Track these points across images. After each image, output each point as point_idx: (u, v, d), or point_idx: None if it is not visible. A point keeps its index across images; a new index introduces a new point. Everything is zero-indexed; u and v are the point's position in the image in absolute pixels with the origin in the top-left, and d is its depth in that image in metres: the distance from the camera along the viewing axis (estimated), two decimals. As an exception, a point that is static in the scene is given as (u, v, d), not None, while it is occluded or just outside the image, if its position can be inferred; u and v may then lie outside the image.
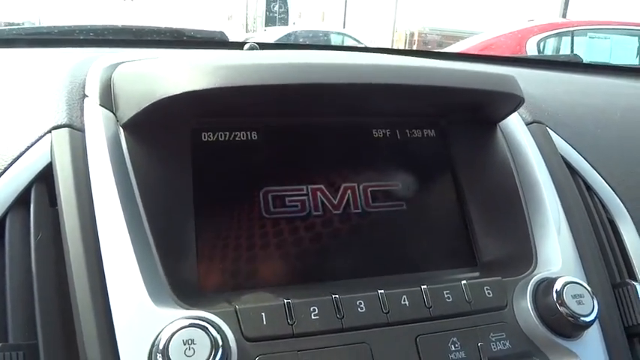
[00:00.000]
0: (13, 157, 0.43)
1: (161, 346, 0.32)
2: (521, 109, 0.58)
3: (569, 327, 0.39)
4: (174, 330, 0.32)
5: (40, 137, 0.44)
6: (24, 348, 0.35)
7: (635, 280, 0.49)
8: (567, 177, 0.54)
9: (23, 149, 0.43)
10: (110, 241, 0.38)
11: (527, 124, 0.57)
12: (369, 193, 0.50)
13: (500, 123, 0.54)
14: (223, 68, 0.40)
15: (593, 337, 0.41)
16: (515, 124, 0.55)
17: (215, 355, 0.32)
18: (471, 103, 0.49)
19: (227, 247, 0.45)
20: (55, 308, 0.37)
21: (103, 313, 0.35)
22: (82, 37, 0.88)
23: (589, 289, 0.40)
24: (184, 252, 0.42)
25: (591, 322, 0.39)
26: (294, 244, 0.47)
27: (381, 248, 0.49)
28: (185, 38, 0.99)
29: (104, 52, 0.54)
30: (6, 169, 0.42)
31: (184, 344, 0.32)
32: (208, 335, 0.32)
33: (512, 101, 0.48)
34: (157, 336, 0.33)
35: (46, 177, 0.42)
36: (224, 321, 0.34)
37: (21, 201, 0.41)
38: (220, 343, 0.32)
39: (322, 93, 0.43)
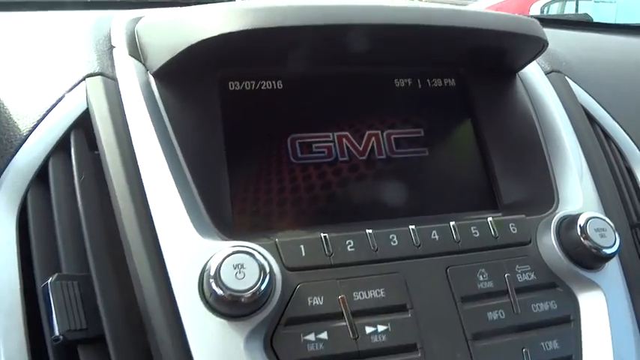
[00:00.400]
0: (51, 104, 0.44)
1: (212, 272, 0.33)
2: (540, 59, 0.58)
3: (591, 259, 0.41)
4: (224, 255, 0.34)
5: (75, 85, 0.45)
6: (78, 278, 0.36)
7: (651, 221, 0.51)
8: (587, 125, 0.55)
9: (60, 96, 0.44)
10: (153, 181, 0.39)
11: (547, 73, 0.58)
12: (392, 140, 0.51)
13: (520, 73, 0.55)
14: (256, 10, 0.41)
15: (613, 270, 0.43)
16: (534, 74, 0.56)
17: (264, 280, 0.33)
18: (493, 47, 0.50)
19: (258, 190, 0.46)
20: (104, 243, 0.38)
21: (153, 246, 0.37)
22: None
23: (611, 223, 0.42)
24: (219, 194, 0.43)
25: (613, 254, 0.41)
26: (323, 188, 0.48)
27: (405, 193, 0.50)
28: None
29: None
30: (44, 115, 0.43)
31: (234, 268, 0.33)
32: (256, 261, 0.34)
33: (535, 45, 0.49)
34: (206, 264, 0.35)
35: (83, 123, 0.43)
36: (267, 251, 0.36)
37: (61, 146, 0.43)
38: (267, 269, 0.34)
39: (350, 33, 0.43)
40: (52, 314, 0.35)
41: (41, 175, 0.42)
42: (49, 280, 0.36)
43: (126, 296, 0.37)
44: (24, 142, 0.42)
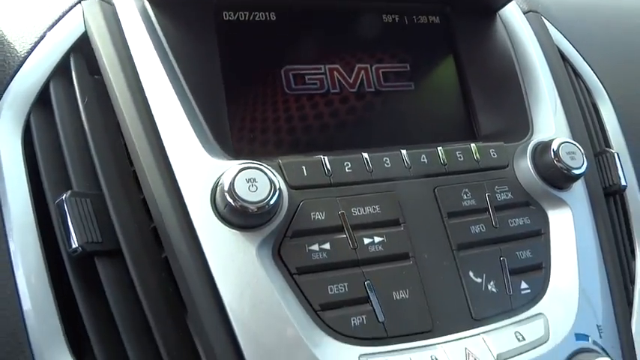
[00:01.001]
0: (47, 27, 0.44)
1: (227, 186, 0.36)
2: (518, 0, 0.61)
3: (562, 179, 0.46)
4: (238, 170, 0.36)
5: (71, 8, 0.45)
6: (90, 196, 0.38)
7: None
8: (560, 62, 0.59)
9: (56, 19, 0.44)
10: (159, 103, 0.41)
11: (524, 12, 0.61)
12: (380, 74, 0.54)
13: (499, 12, 0.58)
14: None
15: (579, 190, 0.48)
16: (513, 13, 0.59)
17: (274, 194, 0.36)
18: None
19: (255, 119, 0.48)
20: (113, 162, 0.40)
21: (164, 165, 0.38)
22: None
23: (580, 147, 0.46)
24: (219, 121, 0.45)
25: (582, 174, 0.46)
26: (315, 118, 0.50)
27: (392, 124, 0.53)
28: None
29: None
30: (41, 38, 0.43)
31: (247, 182, 0.36)
32: (267, 176, 0.36)
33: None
34: (218, 179, 0.37)
35: (81, 48, 0.44)
36: (273, 169, 0.39)
37: (61, 70, 0.43)
38: (277, 185, 0.37)
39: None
40: (68, 228, 0.37)
41: (42, 100, 0.42)
42: (64, 196, 0.37)
43: (137, 214, 0.39)
44: (22, 65, 0.42)
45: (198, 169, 0.38)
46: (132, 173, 0.41)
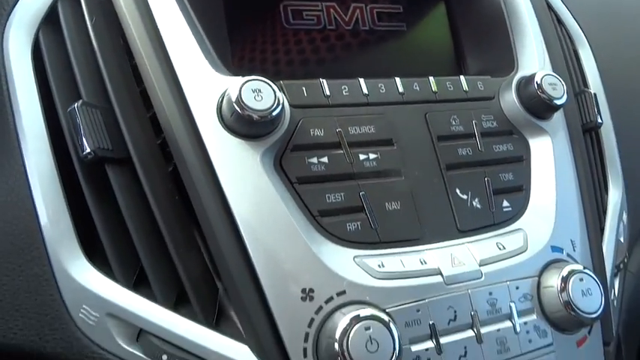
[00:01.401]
0: None
1: (234, 97, 0.38)
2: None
3: (544, 109, 0.49)
4: (245, 80, 0.38)
5: None
6: (100, 108, 0.40)
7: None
8: (545, 10, 0.62)
9: None
10: (167, 23, 0.43)
11: (513, -39, 0.63)
12: (374, 14, 0.56)
13: (489, -41, 0.61)
14: None
15: (559, 121, 0.51)
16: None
17: (278, 105, 0.39)
18: None
19: (254, 50, 0.50)
20: (121, 79, 0.42)
21: (172, 81, 0.40)
22: None
23: (561, 80, 0.50)
24: (221, 48, 0.47)
25: (562, 105, 0.49)
26: (313, 52, 0.53)
27: (385, 61, 0.56)
28: None
29: None
30: None
31: (253, 92, 0.38)
32: (271, 88, 0.39)
33: None
34: (224, 93, 0.40)
35: None
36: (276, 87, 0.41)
37: None
38: (280, 98, 0.39)
39: None
40: (81, 133, 0.39)
41: (51, 20, 0.44)
42: (76, 104, 0.39)
43: (145, 128, 0.42)
44: None
45: (205, 84, 0.41)
46: (139, 92, 0.43)
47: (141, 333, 0.38)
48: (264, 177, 0.39)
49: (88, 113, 0.39)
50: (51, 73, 0.42)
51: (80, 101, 0.40)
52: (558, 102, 0.49)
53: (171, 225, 0.39)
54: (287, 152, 0.42)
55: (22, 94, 0.41)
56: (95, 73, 0.42)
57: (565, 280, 0.43)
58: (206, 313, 0.38)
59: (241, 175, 0.39)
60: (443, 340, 0.39)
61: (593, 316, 0.42)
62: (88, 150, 0.39)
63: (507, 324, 0.42)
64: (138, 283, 0.39)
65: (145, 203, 0.40)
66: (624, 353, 0.53)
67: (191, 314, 0.38)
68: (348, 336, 0.35)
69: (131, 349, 0.38)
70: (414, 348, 0.39)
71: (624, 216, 0.57)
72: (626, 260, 0.54)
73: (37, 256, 0.38)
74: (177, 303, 0.39)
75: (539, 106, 0.49)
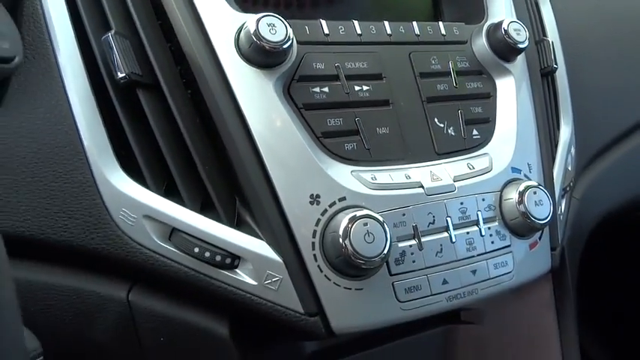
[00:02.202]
0: None
1: (252, 29, 0.44)
2: None
3: (509, 51, 0.57)
4: (261, 16, 0.44)
5: None
6: (129, 38, 0.45)
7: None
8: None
9: None
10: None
11: None
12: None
13: None
14: None
15: (522, 64, 0.59)
16: None
17: (289, 38, 0.45)
18: None
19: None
20: (145, 12, 0.47)
21: (195, 18, 0.46)
22: None
23: (524, 26, 0.57)
24: None
25: (525, 48, 0.57)
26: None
27: (374, 7, 0.62)
28: None
29: None
30: None
31: (268, 26, 0.44)
32: (283, 23, 0.45)
33: None
34: (241, 26, 0.45)
35: None
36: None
37: None
38: (291, 34, 0.45)
39: None
40: (115, 59, 0.44)
41: None
42: (110, 33, 0.44)
43: (168, 58, 0.47)
44: None
45: (224, 19, 0.46)
46: (160, 26, 0.48)
47: (173, 232, 0.44)
48: (277, 101, 0.46)
49: (120, 42, 0.44)
50: (82, 6, 0.46)
51: (113, 30, 0.45)
52: (521, 45, 0.57)
53: (195, 140, 0.46)
54: (294, 82, 0.48)
55: (57, 21, 0.46)
56: (121, 6, 0.47)
57: (522, 194, 0.52)
58: (228, 216, 0.45)
59: (257, 98, 0.46)
60: (423, 239, 0.48)
61: (543, 222, 0.51)
62: (123, 74, 0.44)
63: (474, 228, 0.51)
64: (168, 192, 0.46)
65: (172, 122, 0.46)
66: (568, 263, 0.64)
67: (215, 217, 0.45)
68: (350, 230, 0.43)
69: (166, 245, 0.44)
70: (401, 244, 0.47)
71: (572, 149, 0.66)
72: (572, 184, 0.64)
73: (79, 165, 0.44)
74: (203, 209, 0.46)
75: (505, 49, 0.57)
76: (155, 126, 0.45)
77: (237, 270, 0.44)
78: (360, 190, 0.47)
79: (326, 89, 0.49)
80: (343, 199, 0.46)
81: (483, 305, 0.65)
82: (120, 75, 0.44)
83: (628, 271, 1.43)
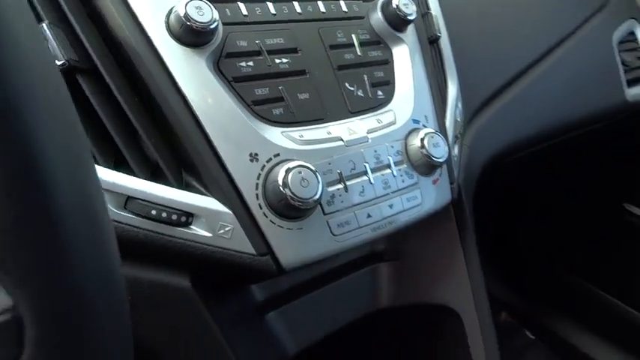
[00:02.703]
0: None
1: (182, 12, 0.49)
2: None
3: (401, 23, 0.67)
4: (187, 0, 0.50)
5: None
6: (61, 27, 0.49)
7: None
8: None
9: None
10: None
11: None
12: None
13: None
14: None
15: (413, 34, 0.70)
16: None
17: (215, 19, 0.51)
18: None
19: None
20: (74, 1, 0.51)
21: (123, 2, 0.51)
22: None
23: (411, 1, 0.68)
24: None
25: (413, 20, 0.67)
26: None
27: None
28: None
29: None
30: None
31: (196, 8, 0.50)
32: (208, 5, 0.51)
33: None
34: (171, 9, 0.51)
35: None
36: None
37: None
38: (216, 15, 0.51)
39: None
40: (52, 48, 0.48)
41: None
42: (44, 24, 0.48)
43: (100, 42, 0.51)
44: None
45: (154, 4, 0.51)
46: (87, 15, 0.52)
47: (128, 200, 0.49)
48: (210, 75, 0.52)
49: (55, 30, 0.48)
50: None
51: (46, 22, 0.48)
52: (410, 17, 0.67)
53: (137, 116, 0.51)
54: (222, 58, 0.54)
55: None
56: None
57: (422, 139, 0.62)
58: (177, 180, 0.51)
59: (192, 73, 0.51)
60: (348, 182, 0.57)
61: (441, 159, 0.62)
62: (62, 61, 0.48)
63: (388, 171, 0.61)
64: (117, 167, 0.50)
65: (113, 102, 0.50)
66: (464, 199, 0.76)
67: (166, 183, 0.51)
68: (288, 178, 0.50)
69: (123, 213, 0.49)
70: (330, 189, 0.56)
71: (459, 104, 0.79)
72: (461, 132, 0.77)
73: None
74: (152, 178, 0.51)
75: (397, 21, 0.67)
76: (98, 106, 0.50)
77: (192, 226, 0.50)
78: (291, 147, 0.54)
79: (251, 63, 0.56)
80: (278, 155, 0.53)
81: (401, 243, 0.77)
82: (59, 62, 0.48)
83: (509, 208, 1.65)
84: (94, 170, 0.27)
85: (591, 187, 1.58)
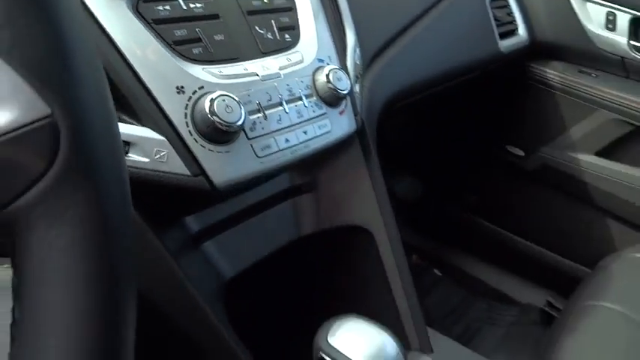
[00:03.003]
0: None
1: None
2: None
3: (300, -26, 0.75)
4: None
5: None
6: None
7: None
8: None
9: None
10: None
11: None
12: None
13: None
14: None
15: (311, -15, 0.79)
16: None
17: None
18: None
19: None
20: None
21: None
22: None
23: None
24: None
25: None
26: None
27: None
28: None
29: None
30: None
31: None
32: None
33: None
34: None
35: None
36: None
37: None
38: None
39: None
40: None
41: None
42: None
43: None
44: None
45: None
46: None
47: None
48: (131, 17, 0.57)
49: None
50: None
51: None
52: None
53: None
54: (140, 2, 0.59)
55: None
56: None
57: (327, 75, 0.72)
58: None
59: (115, 17, 0.56)
60: (266, 112, 0.65)
61: (345, 91, 0.72)
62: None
63: (300, 102, 0.69)
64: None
65: None
66: (367, 130, 0.87)
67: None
68: (214, 106, 0.57)
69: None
70: (251, 117, 0.63)
71: (357, 49, 0.89)
72: (361, 73, 0.87)
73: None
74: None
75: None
76: None
77: (129, 154, 0.56)
78: (213, 81, 0.61)
79: (168, 7, 0.61)
80: (202, 87, 0.59)
81: (315, 176, 0.86)
82: None
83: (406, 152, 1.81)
84: None
85: (479, 132, 1.79)
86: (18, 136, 0.21)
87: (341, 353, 0.51)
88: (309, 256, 0.88)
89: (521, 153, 1.71)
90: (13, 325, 0.24)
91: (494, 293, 1.85)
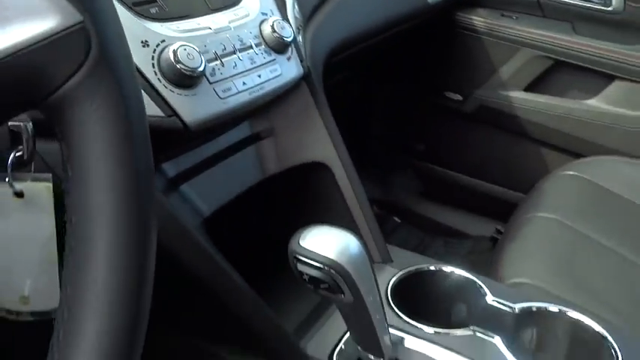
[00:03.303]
0: None
1: None
2: None
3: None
4: None
5: None
6: None
7: None
8: None
9: None
10: None
11: None
12: None
13: None
14: None
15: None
16: None
17: None
18: None
19: None
20: None
21: None
22: None
23: None
24: None
25: None
26: None
27: None
28: None
29: None
30: None
31: None
32: None
33: None
34: None
35: None
36: None
37: None
38: None
39: None
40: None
41: None
42: None
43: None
44: None
45: None
46: None
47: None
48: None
49: None
50: None
51: None
52: None
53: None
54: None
55: None
56: None
57: (272, 25, 0.81)
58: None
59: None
60: (223, 59, 0.74)
61: (290, 39, 0.81)
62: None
63: (251, 50, 0.78)
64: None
65: None
66: (313, 75, 0.97)
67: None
68: (177, 54, 0.66)
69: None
70: (210, 64, 0.72)
71: (296, 5, 0.98)
72: (302, 25, 0.97)
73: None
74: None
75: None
76: None
77: (108, 103, 0.64)
78: (173, 35, 0.69)
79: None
80: (163, 40, 0.68)
81: (272, 122, 0.96)
82: None
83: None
84: None
85: (418, 82, 1.92)
86: (60, 37, 0.30)
87: (311, 251, 0.61)
88: (277, 194, 0.98)
89: (459, 97, 1.86)
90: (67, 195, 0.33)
91: (449, 231, 2.01)
